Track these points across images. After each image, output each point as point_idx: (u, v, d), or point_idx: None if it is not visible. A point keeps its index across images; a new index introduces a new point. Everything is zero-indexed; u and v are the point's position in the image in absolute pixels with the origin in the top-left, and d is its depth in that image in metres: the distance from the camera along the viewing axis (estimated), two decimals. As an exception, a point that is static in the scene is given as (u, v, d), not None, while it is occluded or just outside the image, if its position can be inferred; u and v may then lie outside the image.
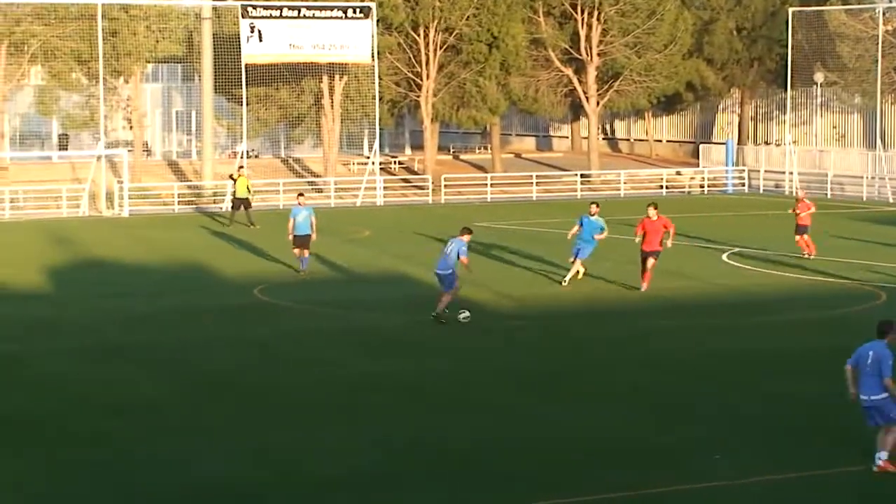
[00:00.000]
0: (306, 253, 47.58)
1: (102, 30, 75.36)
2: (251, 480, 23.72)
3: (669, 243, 44.77)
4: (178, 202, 73.44)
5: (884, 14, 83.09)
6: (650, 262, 43.22)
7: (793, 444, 25.91)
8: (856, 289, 44.72)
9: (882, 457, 23.52)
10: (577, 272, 45.40)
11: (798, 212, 52.23)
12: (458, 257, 38.06)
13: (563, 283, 45.21)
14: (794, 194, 64.90)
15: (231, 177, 67.76)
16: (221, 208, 67.69)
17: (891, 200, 76.91)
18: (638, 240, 44.09)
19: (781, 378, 31.64)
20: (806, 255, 51.29)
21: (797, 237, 52.02)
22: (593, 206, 46.78)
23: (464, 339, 37.03)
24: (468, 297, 40.12)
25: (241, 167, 71.81)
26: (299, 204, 49.22)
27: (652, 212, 43.77)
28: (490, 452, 25.69)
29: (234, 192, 66.15)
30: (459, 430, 27.17)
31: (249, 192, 66.63)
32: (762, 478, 23.84)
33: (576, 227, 45.80)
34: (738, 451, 25.44)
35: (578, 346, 36.57)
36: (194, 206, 73.86)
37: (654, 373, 32.73)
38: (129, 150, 77.62)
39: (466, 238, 39.11)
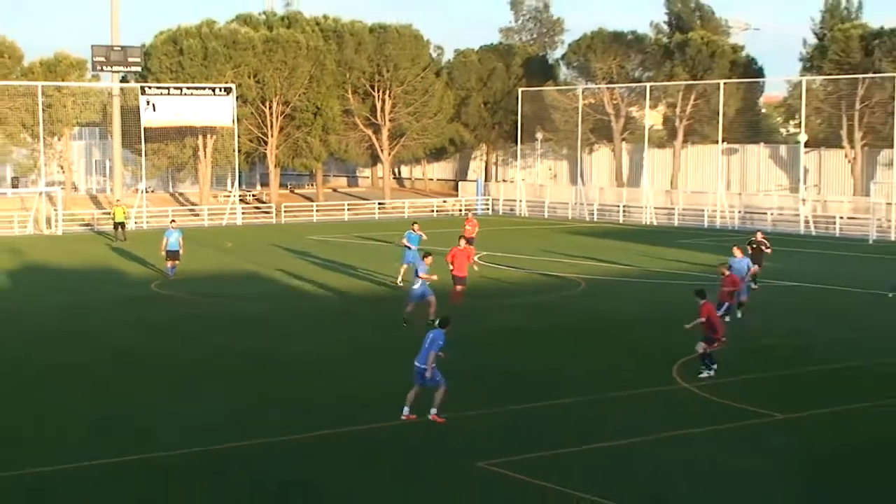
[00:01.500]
0: (176, 264, 46.75)
1: (42, 104, 74.64)
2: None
3: (476, 267, 43.17)
4: (97, 224, 72.71)
5: (582, 93, 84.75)
6: (459, 287, 36.98)
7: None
8: (564, 280, 45.67)
9: (433, 411, 23.17)
10: (404, 270, 43.41)
11: (467, 227, 52.21)
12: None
13: (399, 283, 43.26)
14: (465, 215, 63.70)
15: (117, 205, 67.93)
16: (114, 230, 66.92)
17: (587, 219, 78.47)
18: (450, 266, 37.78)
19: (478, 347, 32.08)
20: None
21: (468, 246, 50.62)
22: (415, 224, 45.53)
23: (311, 324, 37.19)
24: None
25: (119, 200, 72.24)
26: (172, 227, 48.48)
27: (462, 242, 38.32)
28: (322, 398, 26.14)
29: (114, 217, 66.16)
30: (298, 388, 27.38)
31: (126, 217, 67.03)
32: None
33: (405, 240, 44.00)
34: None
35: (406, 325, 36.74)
36: (89, 226, 73.24)
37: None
38: (62, 188, 76.88)
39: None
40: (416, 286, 34.05)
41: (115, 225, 65.84)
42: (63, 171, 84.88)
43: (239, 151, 79.99)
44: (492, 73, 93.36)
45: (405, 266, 43.26)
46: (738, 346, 30.12)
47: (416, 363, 23.34)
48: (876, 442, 22.22)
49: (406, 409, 23.38)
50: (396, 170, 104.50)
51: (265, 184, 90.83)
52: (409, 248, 43.25)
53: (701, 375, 27.37)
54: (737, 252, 36.53)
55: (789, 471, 20.34)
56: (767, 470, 20.33)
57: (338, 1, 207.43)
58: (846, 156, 76.70)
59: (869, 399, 25.36)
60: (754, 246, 40.78)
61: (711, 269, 41.26)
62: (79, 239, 66.08)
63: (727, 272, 33.27)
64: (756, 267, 38.78)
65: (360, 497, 19.09)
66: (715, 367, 27.55)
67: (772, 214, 73.28)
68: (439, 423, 22.87)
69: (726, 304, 32.51)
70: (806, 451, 21.63)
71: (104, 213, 73.14)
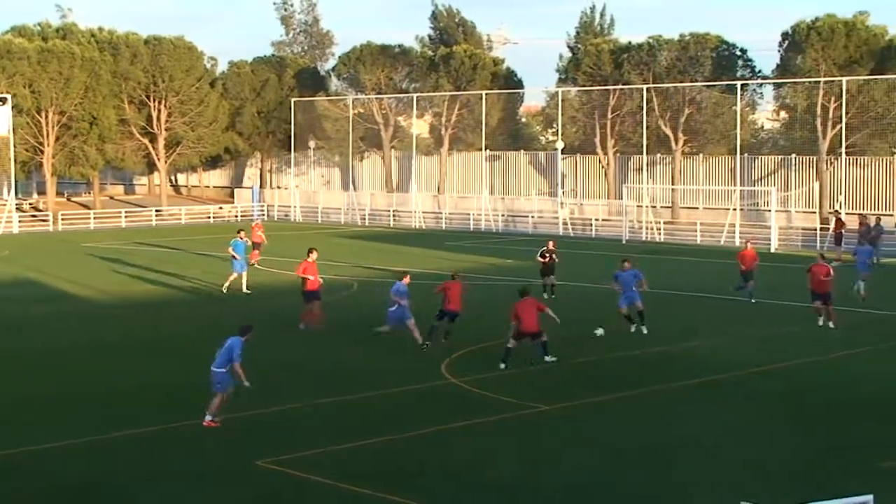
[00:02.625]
0: None
1: None
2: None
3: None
4: None
5: (352, 103, 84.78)
6: (315, 304, 33.81)
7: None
8: (337, 282, 45.51)
9: (207, 417, 22.39)
10: (242, 279, 41.77)
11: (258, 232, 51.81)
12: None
13: (224, 290, 41.55)
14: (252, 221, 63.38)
15: None
16: None
17: (359, 224, 78.49)
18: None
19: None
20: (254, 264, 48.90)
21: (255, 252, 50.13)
22: (241, 232, 43.61)
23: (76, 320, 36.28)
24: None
25: None
26: None
27: (314, 255, 34.39)
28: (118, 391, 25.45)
29: None
30: (89, 375, 26.59)
31: None
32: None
33: (230, 249, 42.10)
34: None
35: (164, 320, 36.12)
36: None
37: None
38: None
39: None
40: (393, 308, 30.83)
41: None
42: None
43: (15, 161, 77.42)
44: (265, 84, 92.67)
45: (234, 275, 41.74)
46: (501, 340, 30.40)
47: (213, 368, 22.42)
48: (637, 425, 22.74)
49: (208, 417, 22.56)
50: (173, 177, 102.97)
51: (42, 192, 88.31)
52: (236, 257, 41.78)
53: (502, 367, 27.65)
54: (626, 265, 33.49)
55: (552, 457, 20.58)
56: (534, 458, 20.54)
57: (114, 14, 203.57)
58: (600, 162, 78.53)
59: (633, 388, 25.89)
60: (547, 255, 40.03)
61: (482, 270, 41.46)
62: None
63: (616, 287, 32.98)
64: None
65: (140, 497, 18.54)
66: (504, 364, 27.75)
67: (533, 217, 74.49)
68: (216, 426, 22.38)
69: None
70: (574, 439, 21.93)
71: None
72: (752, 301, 38.71)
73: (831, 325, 33.58)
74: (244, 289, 41.85)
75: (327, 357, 29.85)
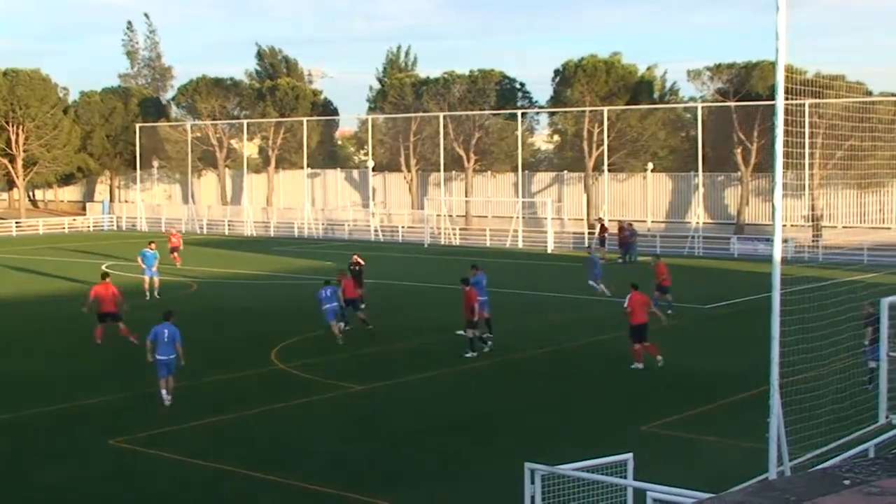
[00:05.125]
0: None
1: None
2: None
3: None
4: None
5: (190, 128, 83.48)
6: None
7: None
8: (179, 282, 44.79)
9: (169, 397, 22.37)
10: (148, 284, 39.54)
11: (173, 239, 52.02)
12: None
13: (148, 297, 38.68)
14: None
15: None
16: None
17: (198, 232, 77.12)
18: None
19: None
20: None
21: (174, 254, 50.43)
22: (152, 244, 41.19)
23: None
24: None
25: None
26: None
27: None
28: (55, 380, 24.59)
29: None
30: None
31: None
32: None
33: (139, 259, 40.48)
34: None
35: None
36: None
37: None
38: None
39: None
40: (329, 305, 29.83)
41: None
42: None
43: None
44: (113, 111, 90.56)
45: (147, 278, 39.72)
46: (327, 330, 30.43)
47: (160, 356, 22.36)
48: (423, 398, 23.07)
49: (168, 397, 22.39)
50: (31, 193, 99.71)
51: None
52: (143, 266, 39.82)
53: (466, 356, 27.24)
54: (474, 272, 30.65)
55: (363, 428, 20.77)
56: (346, 429, 20.69)
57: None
58: (405, 178, 78.97)
59: (433, 369, 26.20)
60: (355, 268, 35.44)
61: (305, 270, 41.29)
62: None
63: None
64: (360, 290, 34.08)
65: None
66: (487, 348, 27.74)
67: (349, 226, 74.44)
68: (77, 408, 21.91)
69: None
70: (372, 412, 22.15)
71: None
72: (669, 312, 32.96)
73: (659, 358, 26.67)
74: (155, 293, 39.35)
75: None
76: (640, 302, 26.51)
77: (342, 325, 30.28)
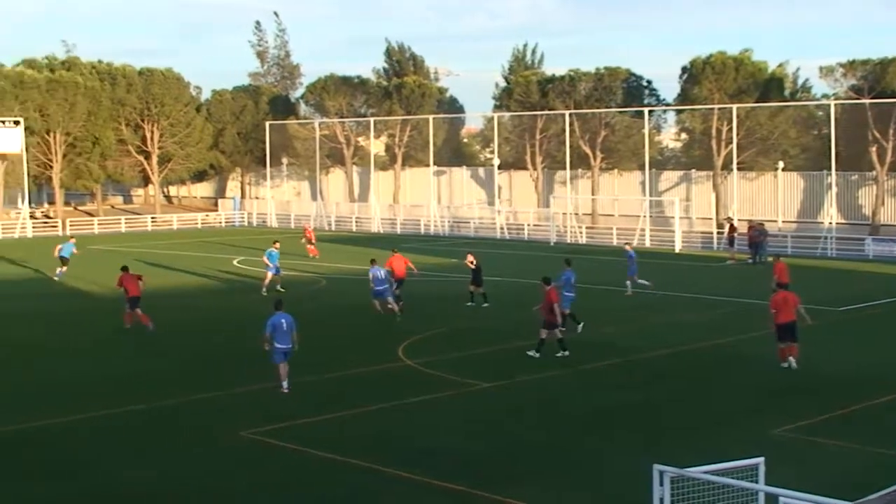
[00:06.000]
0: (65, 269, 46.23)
1: None
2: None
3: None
4: None
5: (318, 126, 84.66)
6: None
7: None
8: (310, 278, 45.48)
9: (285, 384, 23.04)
10: (269, 280, 40.29)
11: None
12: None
13: (266, 293, 39.10)
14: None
15: None
16: None
17: (327, 229, 78.17)
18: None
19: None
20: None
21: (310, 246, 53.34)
22: (276, 243, 42.02)
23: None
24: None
25: None
26: (70, 241, 48.33)
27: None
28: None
29: None
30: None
31: None
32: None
33: (265, 258, 40.96)
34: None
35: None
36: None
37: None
38: None
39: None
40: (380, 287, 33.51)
41: None
42: None
43: (28, 175, 76.65)
44: (243, 109, 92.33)
45: (269, 275, 40.49)
46: (454, 327, 30.52)
47: (280, 345, 22.98)
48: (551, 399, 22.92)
49: (286, 383, 23.15)
50: (165, 189, 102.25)
51: (51, 202, 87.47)
52: (269, 265, 40.61)
53: (529, 353, 26.97)
54: (567, 267, 32.15)
55: (489, 425, 20.73)
56: (472, 426, 20.67)
57: (111, 47, 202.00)
58: (530, 176, 78.79)
59: (559, 368, 26.06)
60: (474, 265, 36.64)
61: (432, 267, 41.49)
62: None
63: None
64: (480, 288, 36.07)
65: (134, 468, 18.49)
66: (561, 354, 26.85)
67: (474, 223, 74.60)
68: (210, 399, 22.37)
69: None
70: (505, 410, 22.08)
71: None
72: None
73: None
74: (278, 286, 40.33)
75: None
76: (784, 300, 25.82)
77: (399, 304, 33.59)
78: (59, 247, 47.13)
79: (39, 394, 23.87)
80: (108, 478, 17.69)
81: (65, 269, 46.40)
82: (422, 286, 40.93)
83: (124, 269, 33.79)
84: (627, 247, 41.76)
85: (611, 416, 21.60)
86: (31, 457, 18.93)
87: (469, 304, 36.28)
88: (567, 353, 26.99)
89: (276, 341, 23.07)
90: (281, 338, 23.02)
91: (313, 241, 54.58)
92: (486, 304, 35.90)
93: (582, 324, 31.10)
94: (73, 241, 48.94)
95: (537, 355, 26.89)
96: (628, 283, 39.43)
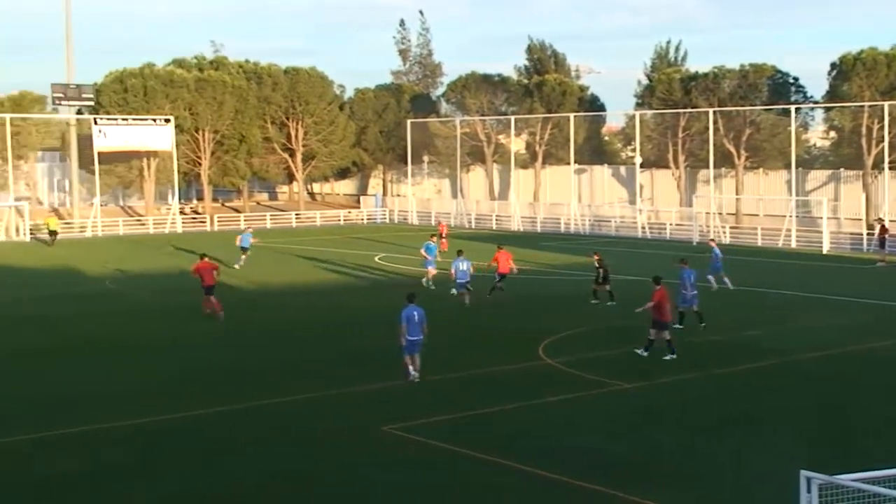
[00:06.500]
0: (246, 256, 49.58)
1: (10, 132, 73.04)
2: None
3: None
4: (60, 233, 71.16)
5: (459, 124, 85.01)
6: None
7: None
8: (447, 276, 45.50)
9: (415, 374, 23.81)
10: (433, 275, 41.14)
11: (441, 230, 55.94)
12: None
13: (431, 286, 40.15)
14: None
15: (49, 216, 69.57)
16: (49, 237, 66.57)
17: (467, 226, 78.51)
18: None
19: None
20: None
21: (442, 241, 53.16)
22: (434, 237, 44.23)
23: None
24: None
25: (52, 212, 75.23)
26: (247, 231, 52.61)
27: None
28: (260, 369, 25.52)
29: (48, 226, 66.90)
30: (238, 359, 26.73)
31: (57, 226, 67.79)
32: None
33: (423, 251, 42.24)
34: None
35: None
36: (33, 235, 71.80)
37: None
38: (28, 202, 74.92)
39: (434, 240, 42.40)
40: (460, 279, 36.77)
41: (50, 232, 65.98)
42: (29, 188, 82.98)
43: (178, 172, 78.89)
44: (385, 108, 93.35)
45: (432, 270, 41.41)
46: (594, 326, 30.30)
47: (411, 337, 23.66)
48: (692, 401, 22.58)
49: (414, 373, 23.90)
50: (309, 186, 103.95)
51: (200, 198, 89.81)
52: (427, 258, 41.64)
53: (637, 351, 26.89)
54: (682, 265, 32.41)
55: (630, 426, 20.53)
56: (613, 426, 20.50)
57: (257, 47, 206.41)
58: (673, 174, 77.80)
59: (700, 370, 25.68)
60: (601, 263, 37.18)
61: (572, 266, 41.32)
62: (42, 245, 64.76)
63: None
64: (607, 286, 36.56)
65: (279, 460, 18.86)
66: (668, 357, 26.47)
67: (615, 222, 74.02)
68: (361, 394, 22.74)
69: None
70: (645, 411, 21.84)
71: (35, 224, 70.97)
72: None
73: None
74: (431, 284, 40.80)
75: (435, 341, 29.78)
76: None
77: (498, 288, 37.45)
78: (239, 237, 50.48)
79: (192, 382, 24.51)
80: (258, 466, 18.13)
81: (244, 257, 49.51)
82: (562, 285, 40.84)
83: (202, 256, 36.04)
84: (712, 243, 41.20)
85: (754, 420, 21.17)
86: (185, 443, 19.49)
87: (594, 301, 36.54)
88: (675, 356, 26.56)
89: (407, 333, 23.72)
90: (413, 329, 23.69)
91: (444, 235, 55.32)
92: (611, 303, 35.88)
93: (704, 324, 31.09)
94: (250, 230, 53.43)
95: (645, 354, 26.74)
96: (711, 278, 39.42)
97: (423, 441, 19.43)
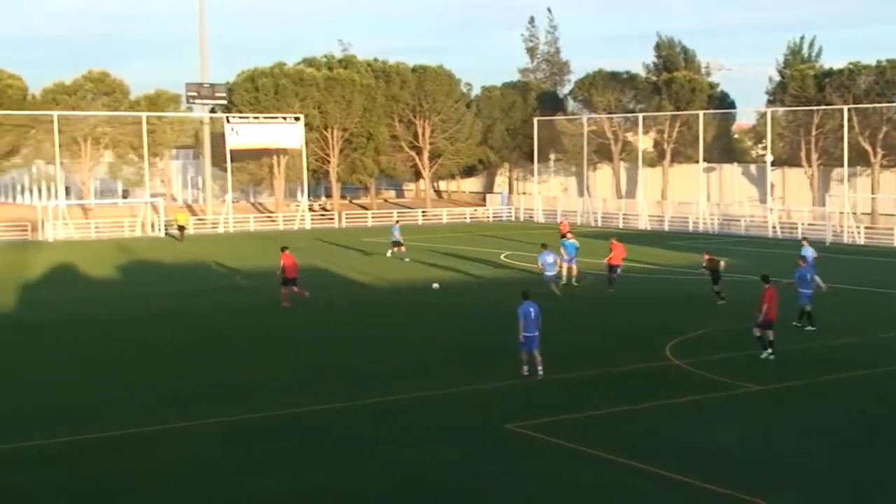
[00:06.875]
0: (400, 249, 51.78)
1: (146, 130, 75.00)
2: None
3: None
4: (192, 228, 72.86)
5: (586, 122, 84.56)
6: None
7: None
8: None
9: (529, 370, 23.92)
10: (566, 271, 41.11)
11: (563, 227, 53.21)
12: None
13: (574, 283, 40.65)
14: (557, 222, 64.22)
15: (179, 211, 71.22)
16: (177, 233, 67.88)
17: (593, 225, 78.06)
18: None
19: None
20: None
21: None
22: (570, 234, 43.60)
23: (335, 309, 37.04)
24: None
25: (181, 208, 76.68)
26: (397, 225, 56.04)
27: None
28: (361, 370, 25.69)
29: (177, 221, 68.09)
30: (344, 359, 26.96)
31: (187, 221, 69.31)
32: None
33: (562, 249, 41.51)
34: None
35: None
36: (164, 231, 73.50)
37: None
38: (162, 199, 77.06)
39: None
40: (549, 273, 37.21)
41: (179, 227, 67.37)
42: (163, 185, 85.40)
43: (307, 169, 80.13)
44: (512, 106, 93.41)
45: (566, 265, 41.23)
46: (723, 326, 29.85)
47: (527, 334, 23.80)
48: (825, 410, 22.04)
49: (539, 370, 24.07)
50: (435, 184, 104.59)
51: (329, 195, 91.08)
52: (565, 256, 41.27)
53: (763, 356, 26.21)
54: (802, 263, 32.07)
55: (762, 429, 20.13)
56: (745, 429, 20.14)
57: (385, 46, 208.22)
58: (805, 173, 76.15)
59: (832, 373, 25.08)
60: (714, 261, 36.86)
61: (699, 265, 40.72)
62: (174, 241, 66.30)
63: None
64: (716, 286, 35.98)
65: (406, 456, 18.96)
66: (769, 351, 26.12)
67: (745, 221, 72.75)
68: (483, 391, 22.91)
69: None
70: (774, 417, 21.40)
71: (166, 220, 72.42)
72: None
73: None
74: (573, 281, 40.87)
75: (559, 339, 29.66)
76: None
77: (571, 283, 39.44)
78: (394, 231, 53.24)
79: (322, 378, 24.85)
80: (385, 463, 18.28)
81: (395, 249, 51.91)
82: (693, 285, 40.29)
83: (283, 249, 36.80)
84: (804, 242, 39.94)
85: (883, 428, 20.56)
86: (315, 438, 19.79)
87: (721, 301, 35.65)
88: (773, 356, 26.04)
89: (524, 330, 23.87)
90: (528, 326, 23.82)
91: (564, 234, 53.78)
92: (721, 302, 35.23)
93: (815, 328, 30.15)
94: (398, 224, 57.88)
95: (772, 356, 26.05)
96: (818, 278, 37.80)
97: (547, 440, 19.34)
